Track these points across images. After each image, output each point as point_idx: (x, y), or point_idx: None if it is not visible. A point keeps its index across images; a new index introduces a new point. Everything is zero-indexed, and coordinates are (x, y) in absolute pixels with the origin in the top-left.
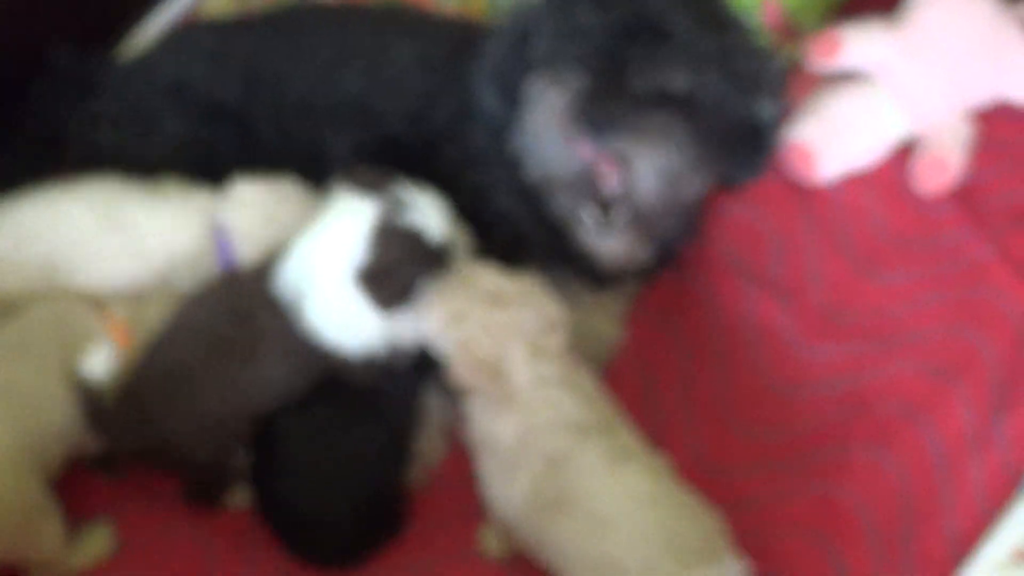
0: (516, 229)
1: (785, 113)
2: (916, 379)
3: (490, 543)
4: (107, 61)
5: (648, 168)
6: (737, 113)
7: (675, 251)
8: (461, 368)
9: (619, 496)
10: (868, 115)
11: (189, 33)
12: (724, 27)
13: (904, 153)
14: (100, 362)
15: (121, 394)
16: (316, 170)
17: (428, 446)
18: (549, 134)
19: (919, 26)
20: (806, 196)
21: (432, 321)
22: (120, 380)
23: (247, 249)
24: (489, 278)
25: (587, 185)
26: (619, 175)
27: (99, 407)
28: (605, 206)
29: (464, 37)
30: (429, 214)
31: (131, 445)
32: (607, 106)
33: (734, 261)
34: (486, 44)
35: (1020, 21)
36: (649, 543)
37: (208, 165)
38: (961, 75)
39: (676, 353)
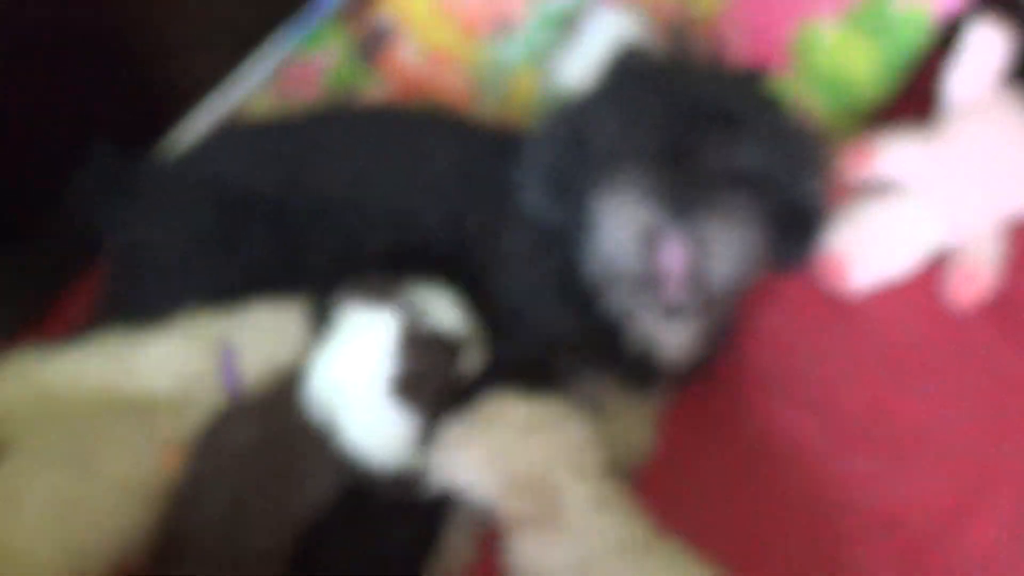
0: (551, 332)
1: (826, 194)
2: (947, 495)
3: None
4: (147, 158)
5: (725, 249)
6: (794, 194)
7: (714, 354)
8: (511, 501)
9: None
10: (902, 226)
11: (230, 132)
12: (774, 108)
13: (938, 265)
14: None
15: (170, 539)
16: (349, 270)
17: (454, 547)
18: (620, 230)
19: (954, 137)
20: (838, 306)
21: (468, 462)
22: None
23: (253, 372)
24: (516, 407)
25: (655, 279)
26: (694, 258)
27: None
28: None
29: (502, 142)
30: (446, 314)
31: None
32: (684, 190)
33: (765, 372)
34: (533, 143)
35: None
36: None
37: (237, 263)
38: (996, 187)
39: (703, 463)
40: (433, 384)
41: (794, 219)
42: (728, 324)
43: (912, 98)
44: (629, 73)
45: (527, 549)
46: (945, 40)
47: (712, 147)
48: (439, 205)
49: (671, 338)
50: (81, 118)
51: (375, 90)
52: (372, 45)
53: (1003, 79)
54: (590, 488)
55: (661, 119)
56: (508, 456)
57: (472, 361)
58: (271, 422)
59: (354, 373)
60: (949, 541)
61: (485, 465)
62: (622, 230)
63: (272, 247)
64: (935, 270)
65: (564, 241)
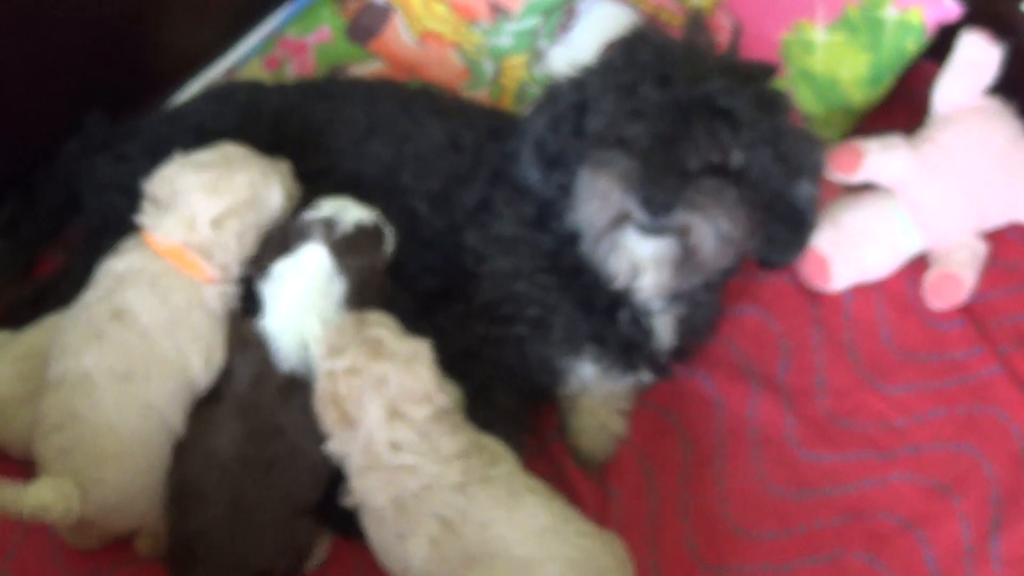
0: (537, 313)
1: (819, 197)
2: (916, 491)
3: None
4: (138, 125)
5: (706, 235)
6: (780, 190)
7: (696, 342)
8: (319, 400)
9: (529, 535)
10: (884, 228)
11: (226, 88)
12: (776, 108)
13: (917, 268)
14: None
15: (184, 540)
16: None
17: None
18: (595, 210)
19: (940, 145)
20: (818, 303)
21: (319, 347)
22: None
23: None
24: (382, 329)
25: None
26: (679, 242)
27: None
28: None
29: (496, 123)
30: (356, 211)
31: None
32: (663, 183)
33: (743, 362)
34: (529, 117)
35: None
36: (577, 571)
37: None
38: (978, 195)
39: (677, 449)
40: (378, 270)
41: (784, 214)
42: (710, 315)
43: (901, 103)
44: (634, 56)
45: (355, 483)
46: (937, 48)
47: (704, 143)
48: (428, 182)
49: (646, 252)
50: (76, 89)
51: (366, 70)
52: (364, 26)
53: (992, 90)
54: (400, 432)
55: (658, 110)
56: (339, 358)
57: (390, 242)
58: (249, 414)
59: (309, 306)
60: (917, 533)
61: (324, 355)
62: (597, 211)
63: None
64: (914, 273)
65: (554, 219)
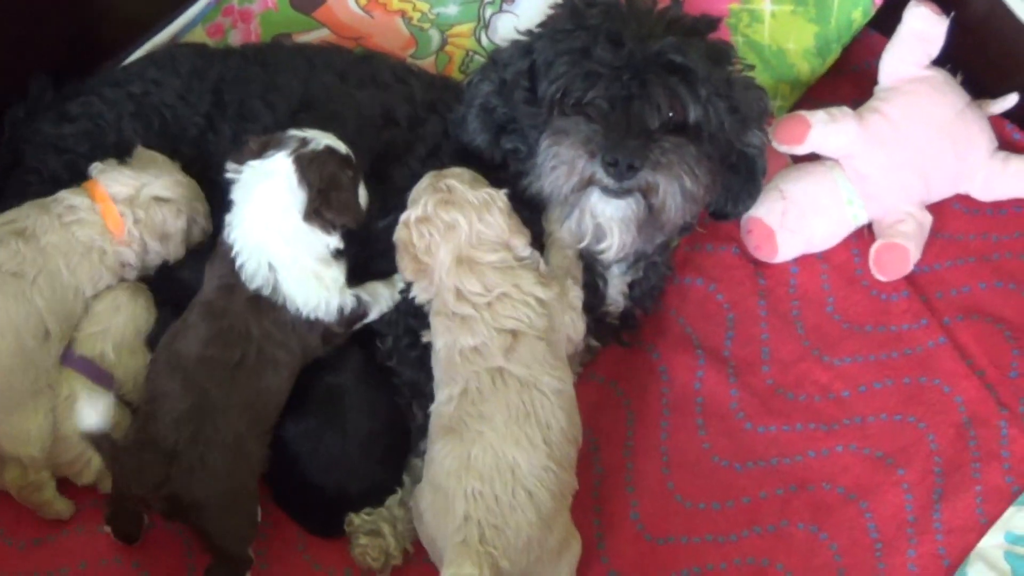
0: None
1: (766, 144)
2: (860, 462)
3: None
4: (83, 88)
5: (671, 192)
6: (733, 141)
7: (644, 310)
8: (398, 247)
9: (509, 444)
10: (830, 200)
11: (170, 50)
12: (725, 60)
13: (862, 240)
14: (96, 412)
15: (141, 442)
16: None
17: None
18: (559, 176)
19: (886, 116)
20: (764, 274)
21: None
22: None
23: None
24: (453, 180)
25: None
26: (644, 202)
27: (118, 456)
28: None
29: (435, 96)
30: (327, 138)
31: (158, 491)
32: (626, 145)
33: (689, 333)
34: (474, 83)
35: (985, 118)
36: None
37: None
38: (923, 167)
39: (622, 420)
40: (344, 188)
41: (738, 168)
42: (660, 277)
43: (848, 75)
44: (581, 18)
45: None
46: (883, 20)
47: (663, 101)
48: (361, 158)
49: (611, 213)
50: (21, 55)
51: (311, 38)
52: None
53: (937, 62)
54: (468, 281)
55: (613, 71)
56: (415, 206)
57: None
58: (218, 319)
59: (273, 224)
60: (860, 503)
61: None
62: (562, 177)
63: (197, 169)
64: (860, 245)
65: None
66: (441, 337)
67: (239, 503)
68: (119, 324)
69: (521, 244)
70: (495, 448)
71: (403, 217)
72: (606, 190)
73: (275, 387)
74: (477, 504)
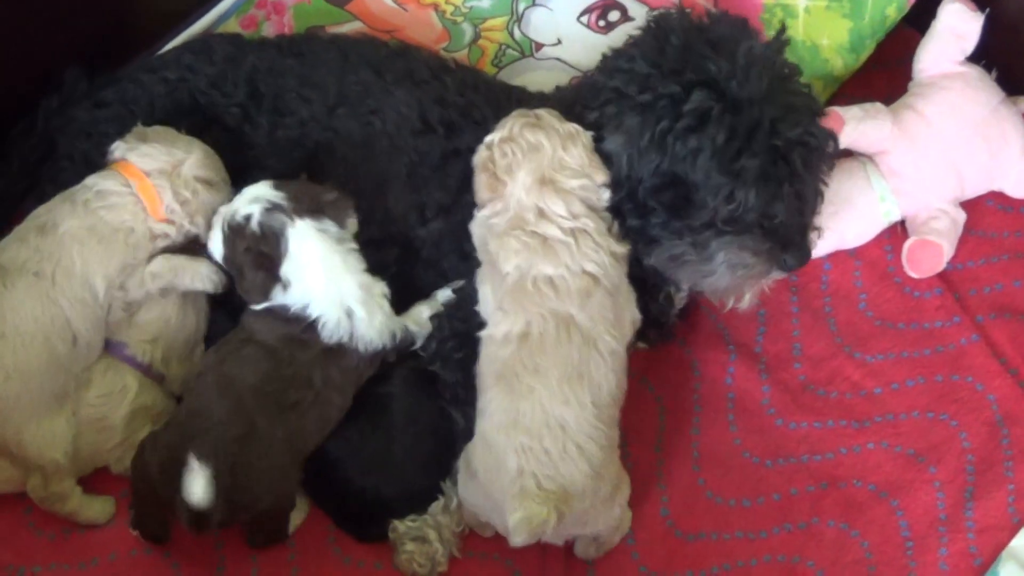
0: None
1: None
2: (891, 459)
3: None
4: (117, 78)
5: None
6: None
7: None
8: (475, 166)
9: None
10: (863, 196)
11: (205, 40)
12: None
13: (895, 237)
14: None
15: (178, 462)
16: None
17: None
18: (744, 279)
19: (920, 112)
20: (796, 271)
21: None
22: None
23: None
24: (542, 111)
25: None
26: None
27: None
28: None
29: (469, 99)
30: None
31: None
32: (802, 249)
33: (719, 327)
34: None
35: (1020, 115)
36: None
37: None
38: (957, 163)
39: (653, 415)
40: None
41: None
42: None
43: (882, 71)
44: (717, 118)
45: (491, 240)
46: (918, 15)
47: (811, 194)
48: (395, 165)
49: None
50: (55, 45)
51: (344, 31)
52: None
53: (972, 58)
54: (550, 201)
55: (762, 173)
56: (500, 131)
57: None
58: (282, 366)
59: (332, 265)
60: (892, 500)
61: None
62: (741, 277)
63: (230, 155)
64: (892, 242)
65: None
66: (514, 258)
67: (274, 518)
68: (169, 336)
69: (601, 179)
70: (544, 406)
71: (487, 139)
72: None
73: (320, 427)
74: (528, 457)
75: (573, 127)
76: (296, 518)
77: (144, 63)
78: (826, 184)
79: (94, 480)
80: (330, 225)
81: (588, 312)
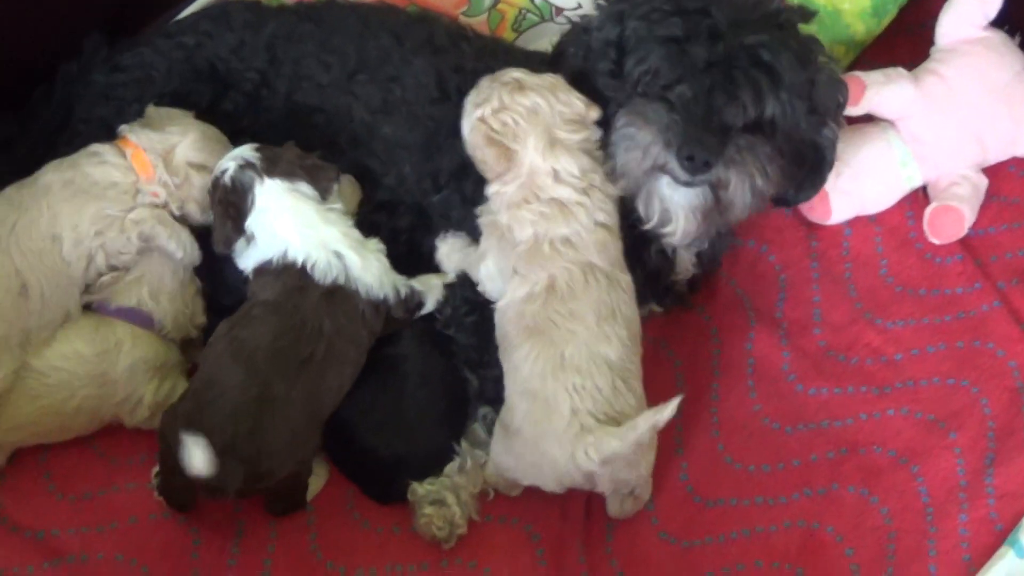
0: None
1: (838, 137)
2: (912, 425)
3: None
4: (136, 43)
5: (741, 190)
6: (807, 136)
7: (708, 273)
8: (476, 145)
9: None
10: (884, 161)
11: (224, 6)
12: (811, 60)
13: (917, 202)
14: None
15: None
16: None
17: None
18: (632, 158)
19: (942, 77)
20: (817, 236)
21: (466, 118)
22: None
23: None
24: (515, 72)
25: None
26: (712, 193)
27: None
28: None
29: (484, 65)
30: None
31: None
32: (704, 141)
33: (739, 293)
34: (561, 45)
35: None
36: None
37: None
38: (979, 129)
39: (672, 381)
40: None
41: (808, 159)
42: (724, 247)
43: (904, 36)
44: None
45: (501, 207)
46: None
47: (747, 99)
48: (413, 133)
49: (679, 201)
50: (74, 11)
51: None
52: None
53: (995, 23)
54: (563, 161)
55: (705, 66)
56: (486, 104)
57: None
58: (289, 316)
59: (312, 219)
60: (912, 467)
61: (471, 110)
62: (635, 160)
63: (247, 120)
64: (914, 207)
65: None
66: (530, 227)
67: (293, 486)
68: (154, 270)
69: (596, 115)
70: (588, 346)
71: (475, 115)
72: (676, 179)
73: (337, 385)
74: (583, 396)
75: (550, 76)
76: (315, 484)
77: (162, 29)
78: (787, 117)
79: (120, 439)
80: (305, 187)
81: (606, 257)
